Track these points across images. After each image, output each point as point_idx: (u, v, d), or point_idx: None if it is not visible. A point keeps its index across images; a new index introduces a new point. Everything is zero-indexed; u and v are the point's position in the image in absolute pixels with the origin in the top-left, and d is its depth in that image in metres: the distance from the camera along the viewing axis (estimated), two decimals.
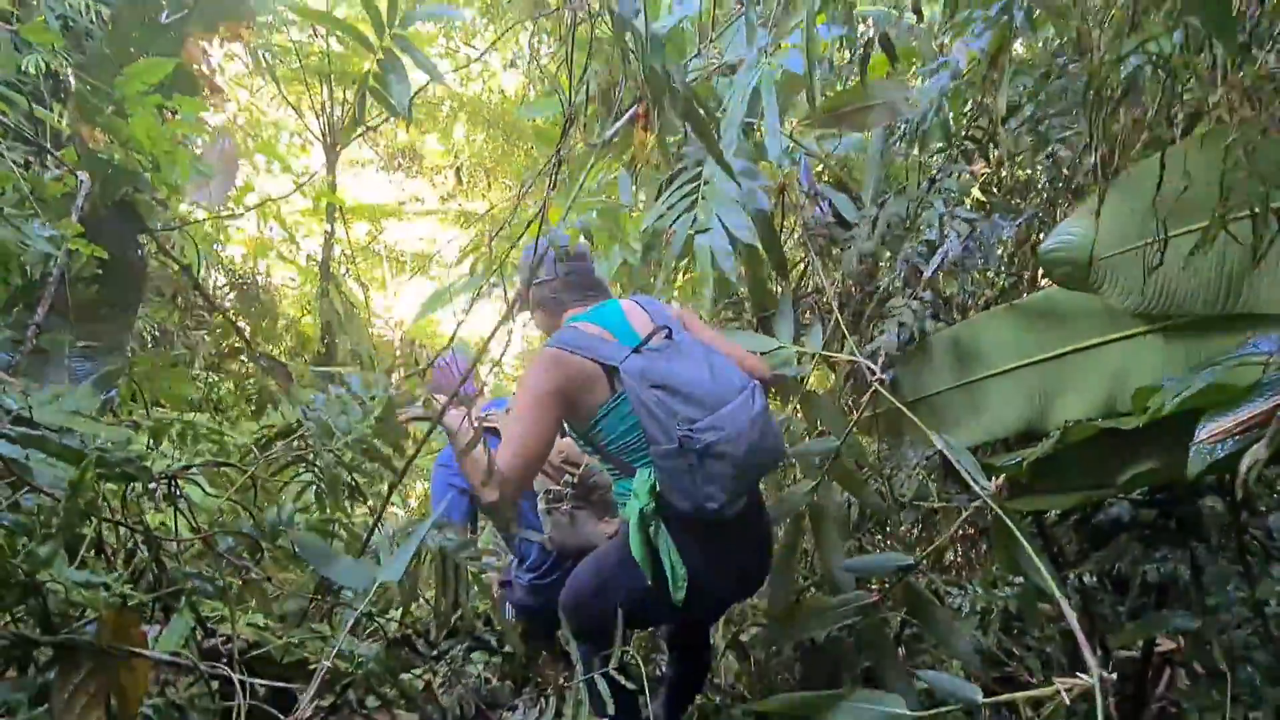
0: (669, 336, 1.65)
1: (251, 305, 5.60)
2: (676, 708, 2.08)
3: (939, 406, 2.28)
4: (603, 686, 1.45)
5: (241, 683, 1.10)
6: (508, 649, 2.55)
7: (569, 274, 1.83)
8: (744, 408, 1.55)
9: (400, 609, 1.77)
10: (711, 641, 2.34)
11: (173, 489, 1.25)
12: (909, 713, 1.45)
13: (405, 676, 1.78)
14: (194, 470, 1.31)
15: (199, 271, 3.44)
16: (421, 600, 2.53)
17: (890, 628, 2.39)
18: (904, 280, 2.31)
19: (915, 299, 2.25)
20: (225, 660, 1.12)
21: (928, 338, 2.27)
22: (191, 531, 1.25)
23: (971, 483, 1.62)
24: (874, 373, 2.00)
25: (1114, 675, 1.14)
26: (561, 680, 1.80)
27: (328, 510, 1.59)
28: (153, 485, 1.26)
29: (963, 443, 2.20)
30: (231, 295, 5.03)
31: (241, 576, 1.28)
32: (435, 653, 1.98)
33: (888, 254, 2.47)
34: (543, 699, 1.70)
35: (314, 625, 1.46)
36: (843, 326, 2.20)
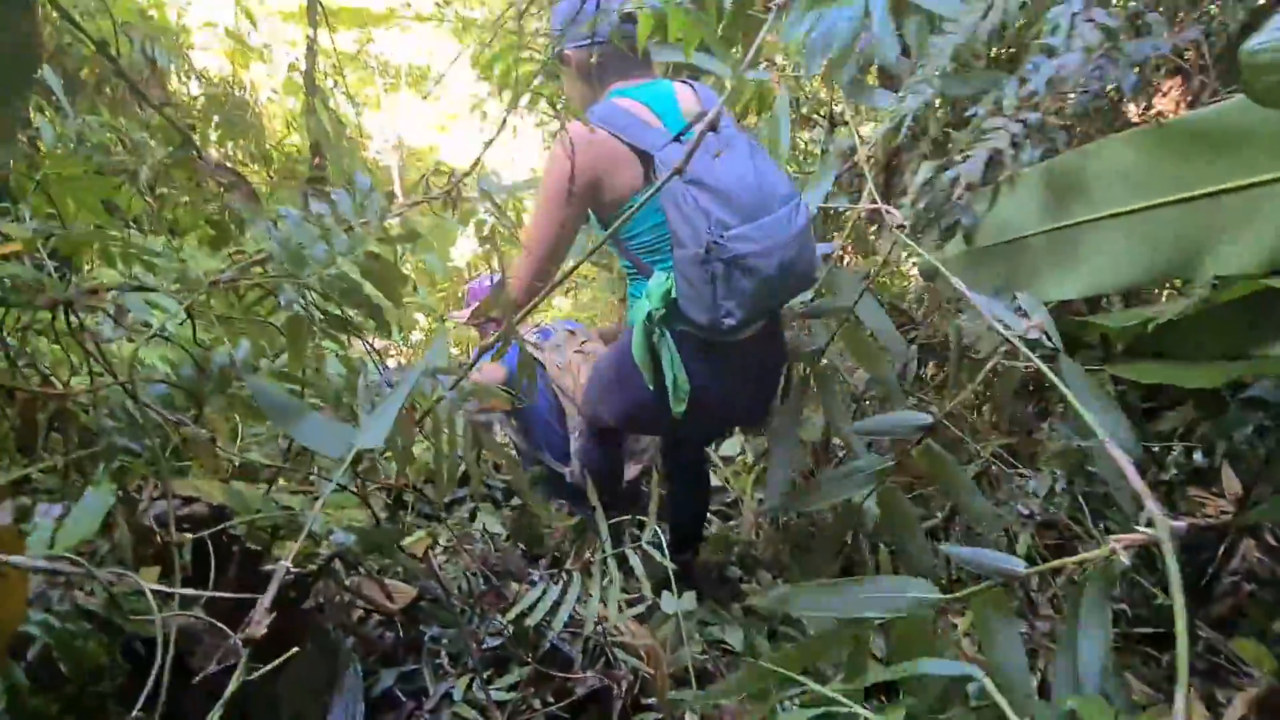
0: (715, 129, 1.34)
1: (230, 118, 5.06)
2: (679, 536, 2.03)
3: (1022, 254, 1.93)
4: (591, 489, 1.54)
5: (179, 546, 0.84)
6: (518, 504, 2.37)
7: (617, 38, 1.50)
8: (785, 222, 1.40)
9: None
10: (707, 467, 2.23)
11: (76, 319, 0.92)
12: (940, 595, 1.24)
13: (407, 542, 1.56)
14: (111, 297, 0.98)
15: (151, 67, 2.93)
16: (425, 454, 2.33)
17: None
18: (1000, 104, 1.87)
19: (1018, 121, 1.82)
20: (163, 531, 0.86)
21: (1019, 170, 1.86)
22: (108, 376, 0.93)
23: (1003, 330, 1.27)
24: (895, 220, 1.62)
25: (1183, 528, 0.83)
26: (588, 552, 1.58)
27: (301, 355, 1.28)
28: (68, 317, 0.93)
29: (1049, 296, 1.88)
30: (201, 102, 4.49)
31: (182, 435, 0.98)
32: (437, 514, 1.75)
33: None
34: (563, 572, 1.48)
35: (285, 494, 1.20)
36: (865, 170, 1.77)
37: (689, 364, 1.49)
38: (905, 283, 3.18)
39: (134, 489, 0.95)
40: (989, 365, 1.58)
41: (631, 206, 1.35)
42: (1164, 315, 1.47)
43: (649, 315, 1.47)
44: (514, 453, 2.34)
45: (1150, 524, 0.75)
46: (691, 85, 1.59)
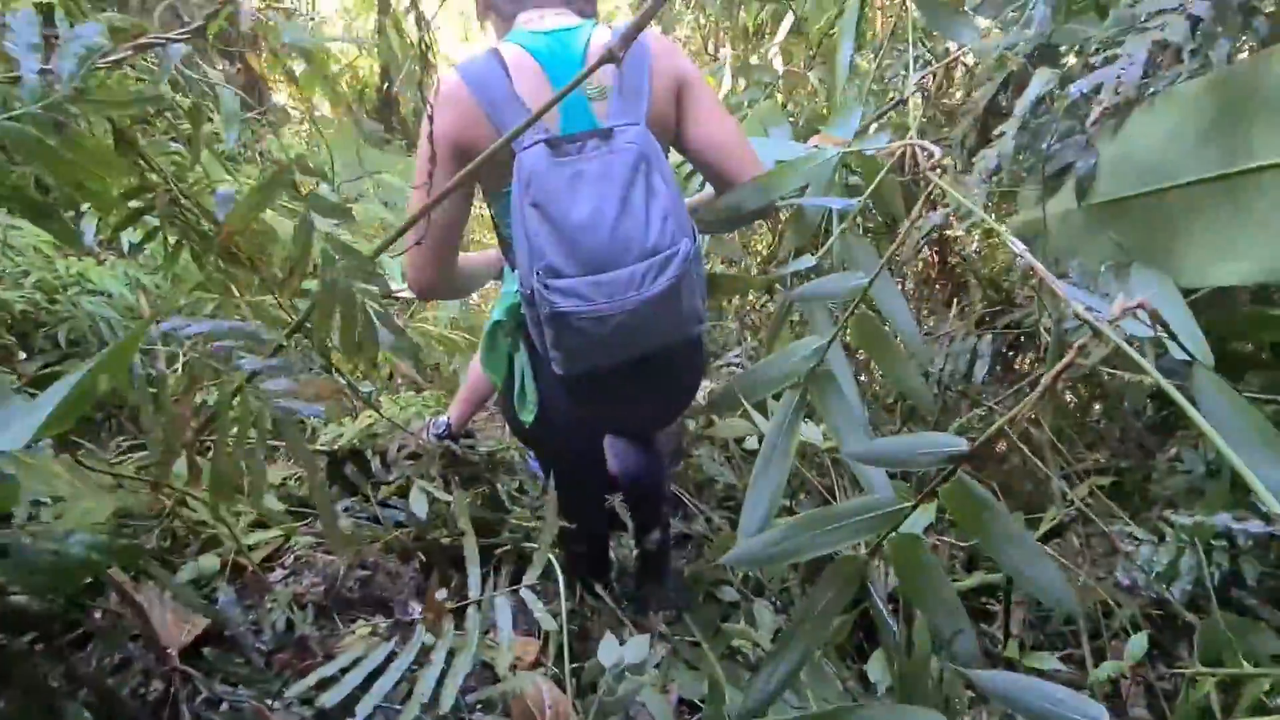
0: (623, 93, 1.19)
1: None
2: (645, 556, 1.96)
3: (1161, 214, 1.31)
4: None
5: None
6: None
7: None
8: (633, 282, 1.15)
9: None
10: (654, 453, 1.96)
11: None
12: None
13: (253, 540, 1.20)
14: None
15: None
16: None
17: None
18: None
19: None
20: None
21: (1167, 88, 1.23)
22: None
23: (1099, 325, 0.69)
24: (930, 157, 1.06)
25: None
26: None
27: None
28: None
29: (1204, 281, 1.27)
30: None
31: None
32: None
33: None
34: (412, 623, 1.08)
35: None
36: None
37: (544, 374, 1.34)
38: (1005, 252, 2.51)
39: None
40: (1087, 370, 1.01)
41: (502, 193, 1.21)
42: None
43: (496, 323, 1.34)
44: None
45: None
46: (613, 27, 1.24)
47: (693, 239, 1.21)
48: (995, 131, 1.36)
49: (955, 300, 1.97)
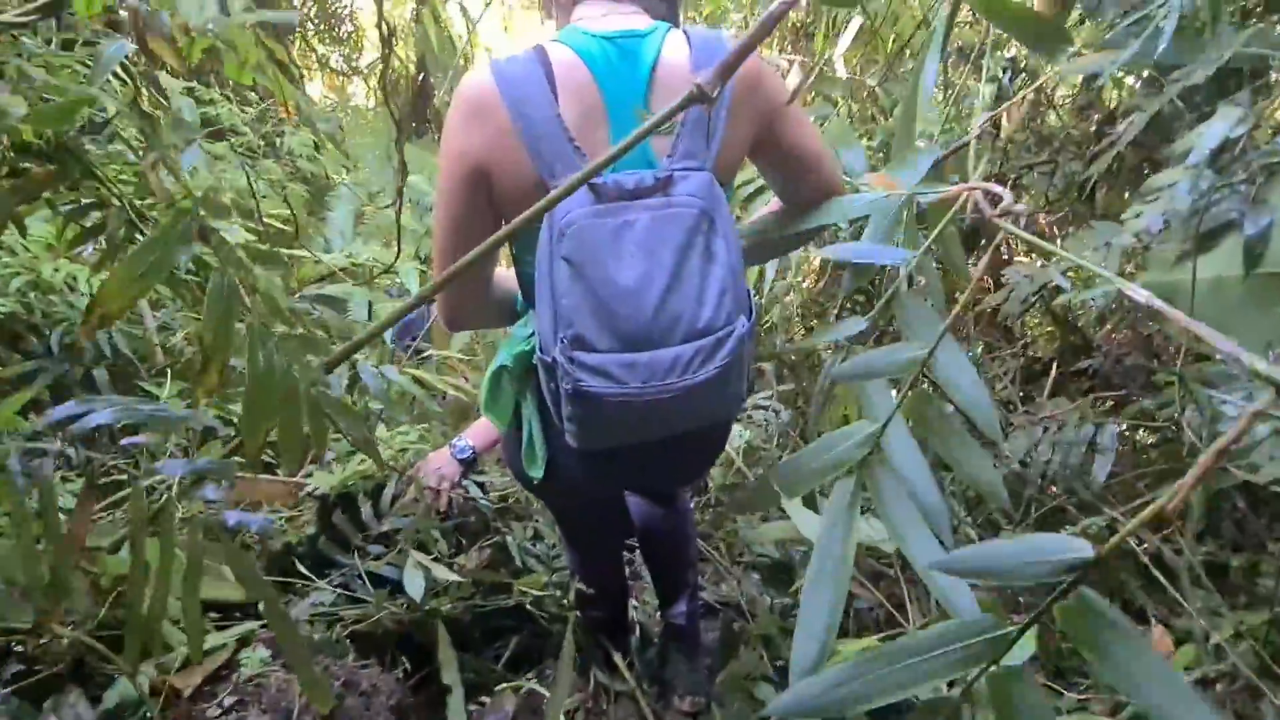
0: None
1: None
2: (670, 631, 1.77)
3: None
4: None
5: None
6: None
7: None
8: (675, 367, 0.95)
9: None
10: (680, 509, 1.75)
11: None
12: None
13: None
14: None
15: None
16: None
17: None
18: None
19: None
20: None
21: None
22: None
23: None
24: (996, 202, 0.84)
25: None
26: None
27: None
28: None
29: None
30: None
31: None
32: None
33: None
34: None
35: None
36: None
37: (553, 430, 1.13)
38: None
39: None
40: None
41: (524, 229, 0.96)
42: None
43: (501, 367, 1.13)
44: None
45: None
46: (689, 36, 1.01)
47: (750, 315, 1.02)
48: (1155, 181, 1.07)
49: (1062, 376, 1.69)
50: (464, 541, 1.89)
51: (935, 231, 0.98)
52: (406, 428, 2.04)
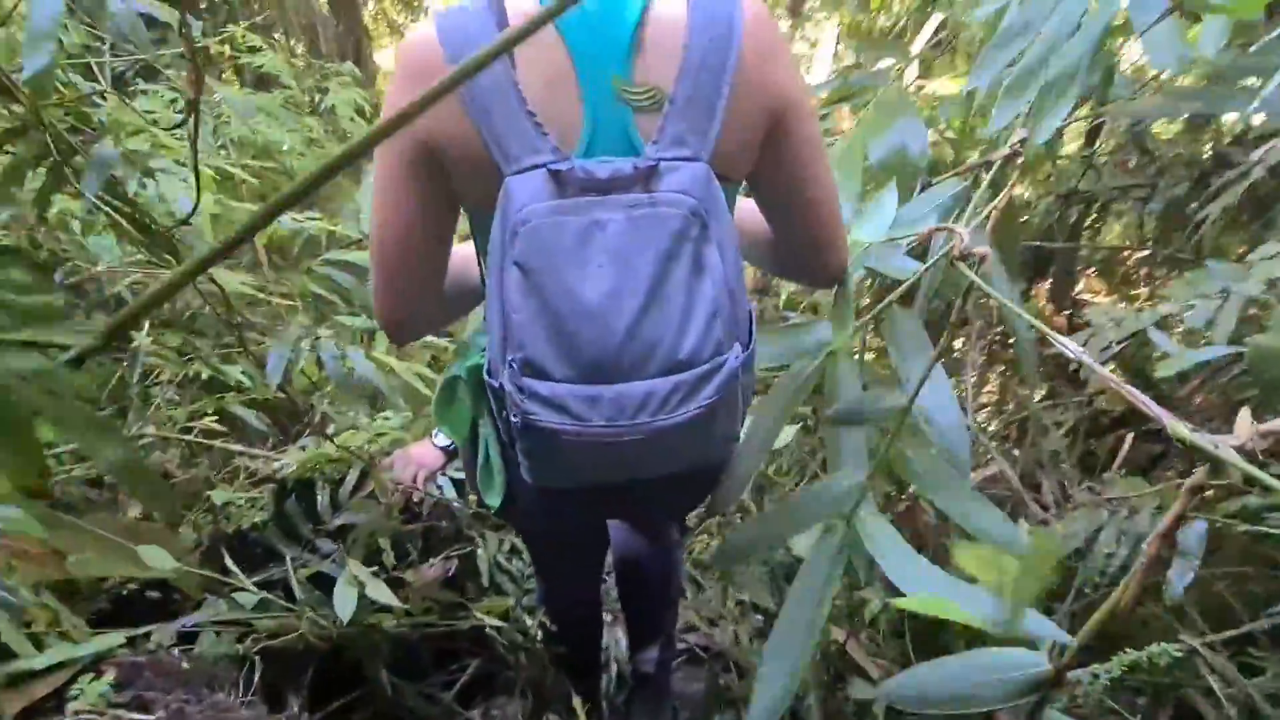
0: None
1: None
2: (639, 678, 1.58)
3: None
4: None
5: None
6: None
7: None
8: (649, 404, 0.76)
9: None
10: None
11: None
12: None
13: None
14: None
15: None
16: None
17: None
18: None
19: None
20: None
21: None
22: None
23: None
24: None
25: None
26: None
27: None
28: None
29: None
30: None
31: None
32: None
33: None
34: None
35: None
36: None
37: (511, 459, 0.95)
38: None
39: None
40: None
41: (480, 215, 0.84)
42: None
43: (456, 378, 0.98)
44: None
45: None
46: None
47: (748, 341, 0.84)
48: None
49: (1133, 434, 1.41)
50: (431, 547, 1.71)
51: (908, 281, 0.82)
52: (390, 413, 1.88)
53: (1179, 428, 0.55)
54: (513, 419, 0.79)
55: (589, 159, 0.74)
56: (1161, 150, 1.53)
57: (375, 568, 1.37)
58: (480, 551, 1.69)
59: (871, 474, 0.86)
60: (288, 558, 1.41)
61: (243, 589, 1.30)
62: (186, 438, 1.70)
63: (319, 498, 1.57)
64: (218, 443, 1.73)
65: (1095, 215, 1.80)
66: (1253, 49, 1.07)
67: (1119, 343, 1.11)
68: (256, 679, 1.14)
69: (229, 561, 1.34)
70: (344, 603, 1.28)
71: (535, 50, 0.75)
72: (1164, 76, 1.12)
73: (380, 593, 1.32)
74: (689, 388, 0.76)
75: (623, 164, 0.73)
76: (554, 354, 0.75)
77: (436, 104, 0.77)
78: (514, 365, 0.76)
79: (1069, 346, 0.73)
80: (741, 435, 0.93)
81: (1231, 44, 1.20)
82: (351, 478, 1.60)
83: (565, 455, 0.81)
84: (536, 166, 0.73)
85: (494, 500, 1.02)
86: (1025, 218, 1.90)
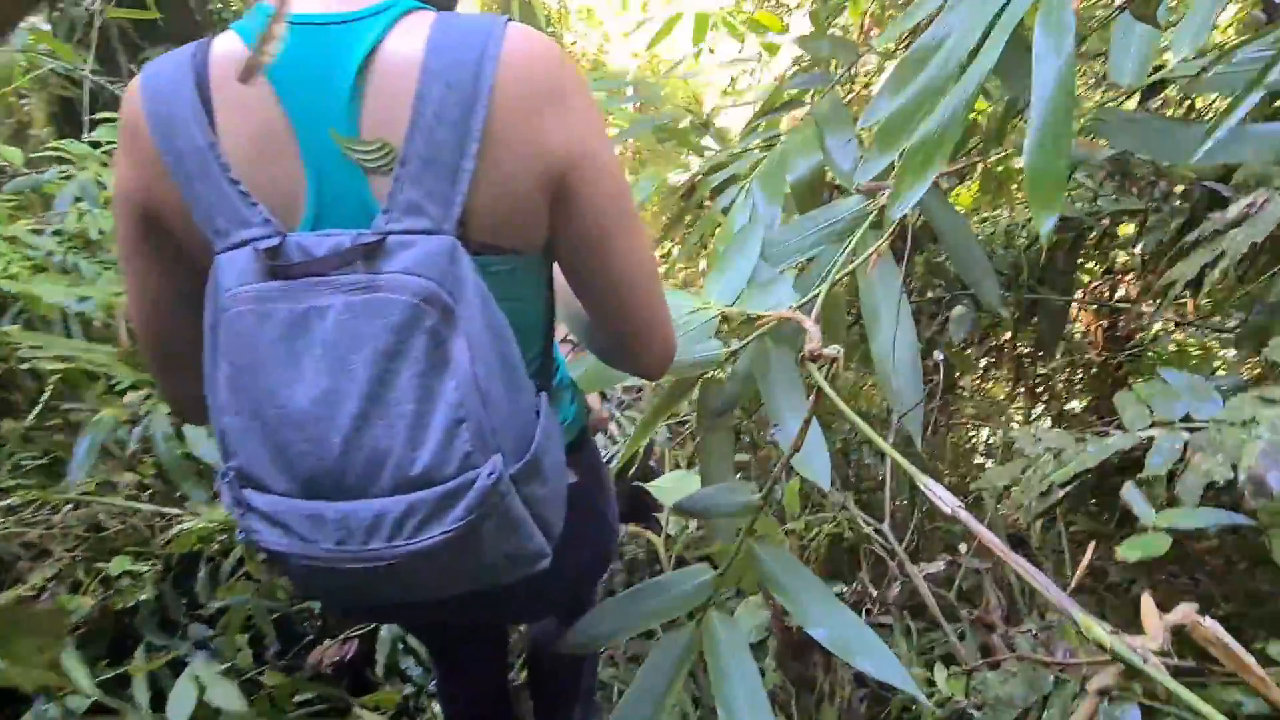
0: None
1: None
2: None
3: None
4: None
5: None
6: None
7: None
8: (379, 528, 0.61)
9: None
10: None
11: None
12: None
13: None
14: None
15: None
16: None
17: None
18: None
19: None
20: None
21: None
22: None
23: None
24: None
25: None
26: None
27: None
28: None
29: None
30: None
31: None
32: None
33: None
34: None
35: None
36: None
37: None
38: None
39: None
40: None
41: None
42: None
43: None
44: None
45: None
46: (441, 21, 0.63)
47: (528, 452, 0.67)
48: None
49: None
50: (329, 627, 1.57)
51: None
52: None
53: (1092, 625, 0.49)
54: (238, 536, 0.69)
55: (305, 234, 0.61)
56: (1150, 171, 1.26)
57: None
58: (383, 631, 1.55)
59: (722, 572, 0.79)
60: (139, 650, 1.29)
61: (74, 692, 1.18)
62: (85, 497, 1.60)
63: (200, 575, 1.45)
64: (119, 500, 1.63)
65: (1090, 246, 1.53)
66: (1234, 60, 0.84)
67: (1061, 487, 0.85)
68: None
69: (68, 658, 1.22)
70: (179, 709, 1.15)
71: (240, 106, 0.62)
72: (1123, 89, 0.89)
73: (226, 697, 1.19)
74: (430, 508, 0.62)
75: (343, 238, 0.59)
76: (269, 462, 0.63)
77: (146, 167, 0.64)
78: (229, 475, 0.65)
79: (944, 498, 0.58)
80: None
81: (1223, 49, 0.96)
82: (237, 553, 1.47)
83: (305, 580, 0.70)
84: (245, 243, 0.60)
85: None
86: (1012, 243, 1.64)
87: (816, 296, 0.81)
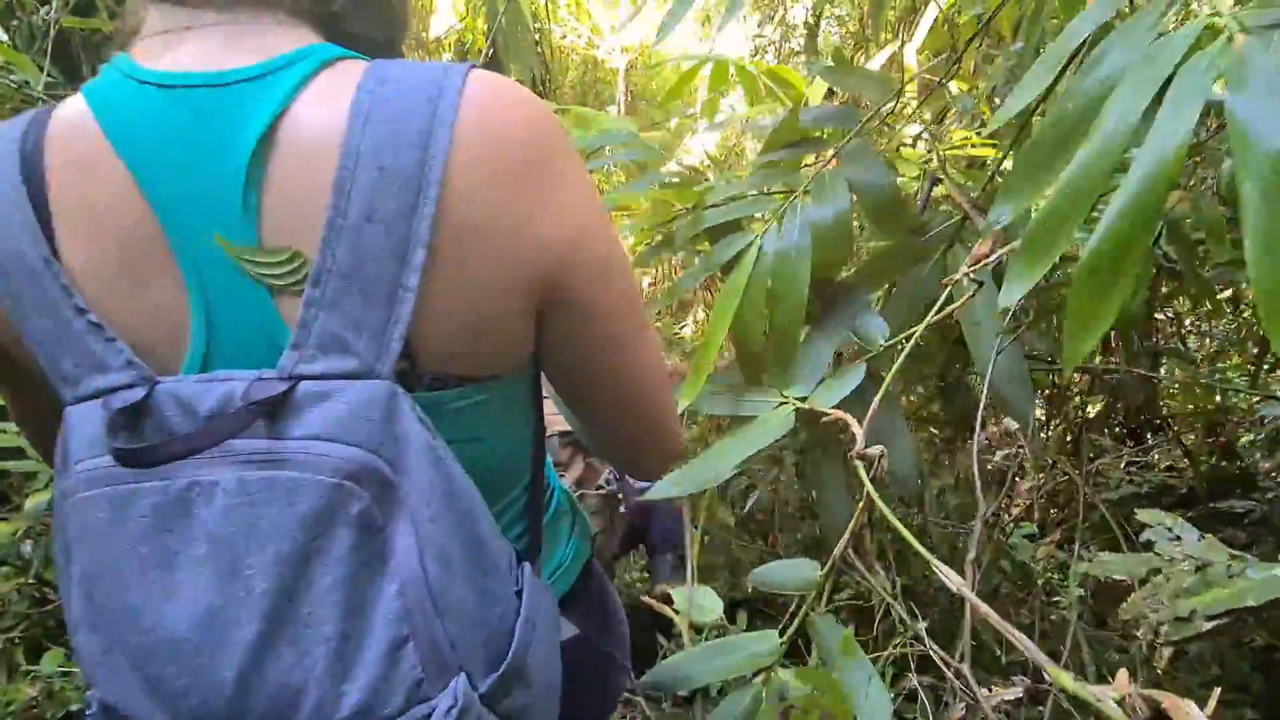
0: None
1: None
2: None
3: None
4: None
5: None
6: None
7: None
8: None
9: None
10: None
11: None
12: None
13: None
14: None
15: None
16: None
17: None
18: None
19: None
20: None
21: None
22: None
23: None
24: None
25: None
26: None
27: None
28: None
29: None
30: None
31: None
32: None
33: None
34: None
35: None
36: None
37: None
38: None
39: None
40: None
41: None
42: None
43: None
44: None
45: None
46: (375, 73, 0.44)
47: (508, 655, 0.48)
48: None
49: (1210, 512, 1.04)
50: None
51: None
52: None
53: (1062, 676, 0.49)
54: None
55: (187, 380, 0.44)
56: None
57: None
58: None
59: (785, 640, 0.77)
60: None
61: None
62: None
63: None
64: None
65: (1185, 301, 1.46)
66: None
67: (1209, 620, 0.65)
68: None
69: None
70: None
71: (85, 204, 0.45)
72: None
73: None
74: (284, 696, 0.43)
75: (238, 383, 0.43)
76: (142, 697, 0.44)
77: None
78: (93, 709, 0.46)
79: (950, 577, 0.56)
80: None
81: None
82: None
83: None
84: (101, 393, 0.44)
85: None
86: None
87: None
